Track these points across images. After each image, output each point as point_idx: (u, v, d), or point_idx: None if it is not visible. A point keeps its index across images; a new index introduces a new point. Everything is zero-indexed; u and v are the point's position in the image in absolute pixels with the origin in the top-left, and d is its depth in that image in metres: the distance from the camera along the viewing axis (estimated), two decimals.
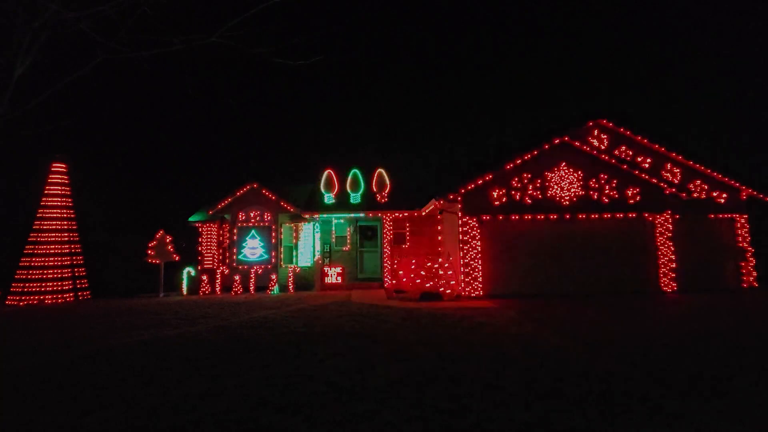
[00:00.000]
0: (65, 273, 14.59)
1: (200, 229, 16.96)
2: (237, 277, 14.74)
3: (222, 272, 15.16)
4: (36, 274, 14.18)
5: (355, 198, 15.52)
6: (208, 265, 16.58)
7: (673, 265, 12.04)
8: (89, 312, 10.78)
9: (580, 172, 12.33)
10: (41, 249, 14.49)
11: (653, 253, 12.15)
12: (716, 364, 5.08)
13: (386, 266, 14.97)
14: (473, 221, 12.03)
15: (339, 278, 14.91)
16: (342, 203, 15.44)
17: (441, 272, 13.04)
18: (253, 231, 15.91)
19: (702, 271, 12.68)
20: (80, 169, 15.96)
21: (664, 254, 12.08)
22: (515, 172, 12.26)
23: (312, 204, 15.51)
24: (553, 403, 3.91)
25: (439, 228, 15.51)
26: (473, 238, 11.96)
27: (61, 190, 15.23)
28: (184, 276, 15.03)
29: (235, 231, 15.87)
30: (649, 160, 13.37)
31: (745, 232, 12.88)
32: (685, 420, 3.55)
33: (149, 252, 14.97)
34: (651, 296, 11.35)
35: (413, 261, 14.82)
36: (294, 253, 16.21)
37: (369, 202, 15.41)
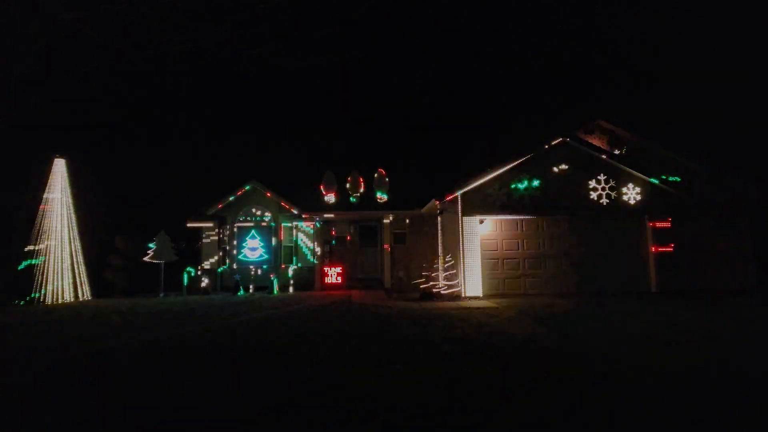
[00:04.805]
0: (65, 272, 14.57)
1: (200, 229, 16.93)
2: (237, 277, 14.74)
3: (222, 272, 15.15)
4: (36, 273, 14.16)
5: (355, 198, 15.52)
6: (208, 265, 16.56)
7: (673, 266, 12.04)
8: (89, 312, 10.79)
9: (579, 172, 12.33)
10: (41, 248, 14.47)
11: (653, 253, 12.15)
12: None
13: (386, 266, 14.97)
14: (473, 221, 12.04)
15: (339, 278, 14.91)
16: (342, 203, 15.43)
17: (441, 272, 13.04)
18: (253, 231, 15.91)
19: (702, 271, 12.66)
20: (80, 169, 15.92)
21: (663, 255, 12.08)
22: (515, 171, 12.26)
23: (312, 204, 15.51)
24: (554, 403, 3.91)
25: (439, 228, 15.49)
26: (473, 238, 11.96)
27: (62, 189, 15.21)
28: (184, 276, 15.02)
29: (235, 231, 15.87)
30: (649, 160, 13.38)
31: (746, 233, 12.87)
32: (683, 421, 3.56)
33: (149, 252, 14.96)
34: (651, 296, 11.36)
35: (413, 261, 14.83)
36: (294, 253, 16.20)
37: (369, 202, 15.41)
